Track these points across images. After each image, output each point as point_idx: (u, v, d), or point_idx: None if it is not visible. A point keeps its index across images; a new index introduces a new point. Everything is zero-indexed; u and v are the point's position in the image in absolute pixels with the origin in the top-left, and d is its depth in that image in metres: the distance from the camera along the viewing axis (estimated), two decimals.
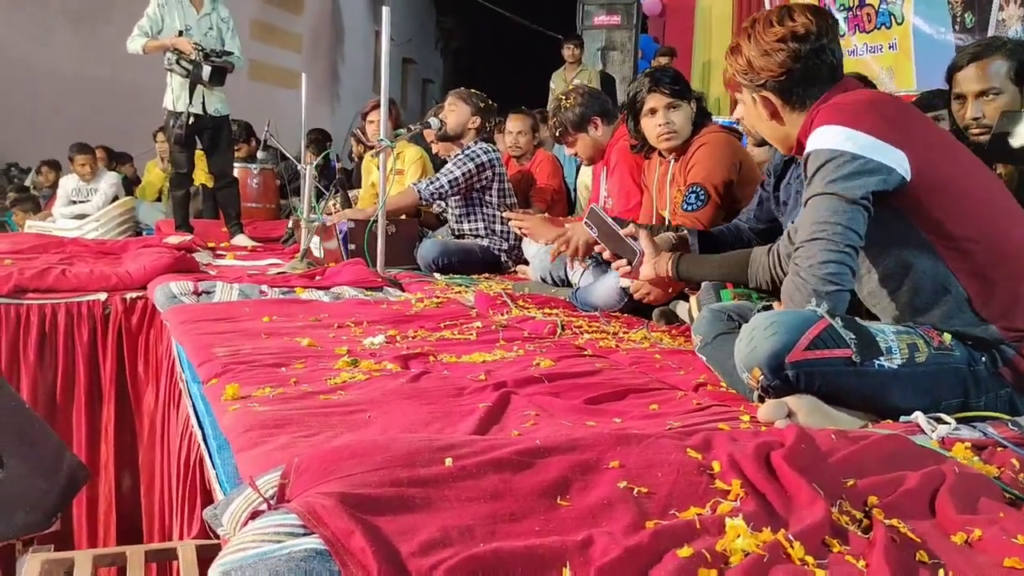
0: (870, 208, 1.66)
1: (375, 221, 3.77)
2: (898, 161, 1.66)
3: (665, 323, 2.86)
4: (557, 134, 3.72)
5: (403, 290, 3.49)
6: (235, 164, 6.49)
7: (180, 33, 5.08)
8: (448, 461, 1.15)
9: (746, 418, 1.65)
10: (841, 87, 1.84)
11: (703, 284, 2.31)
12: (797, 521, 1.12)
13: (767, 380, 1.59)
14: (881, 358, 1.59)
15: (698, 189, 3.00)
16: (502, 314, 2.89)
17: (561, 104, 3.67)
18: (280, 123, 5.72)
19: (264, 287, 3.17)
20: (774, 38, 1.82)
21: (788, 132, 1.92)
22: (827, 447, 1.33)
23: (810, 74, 1.83)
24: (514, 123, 5.31)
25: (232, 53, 5.22)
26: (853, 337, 1.58)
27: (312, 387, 1.80)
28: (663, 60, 7.66)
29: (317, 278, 3.55)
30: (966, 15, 6.75)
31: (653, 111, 3.12)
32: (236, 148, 6.98)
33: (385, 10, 3.59)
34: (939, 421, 1.59)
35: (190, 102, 5.08)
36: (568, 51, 8.47)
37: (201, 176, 6.35)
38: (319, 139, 7.09)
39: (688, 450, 1.29)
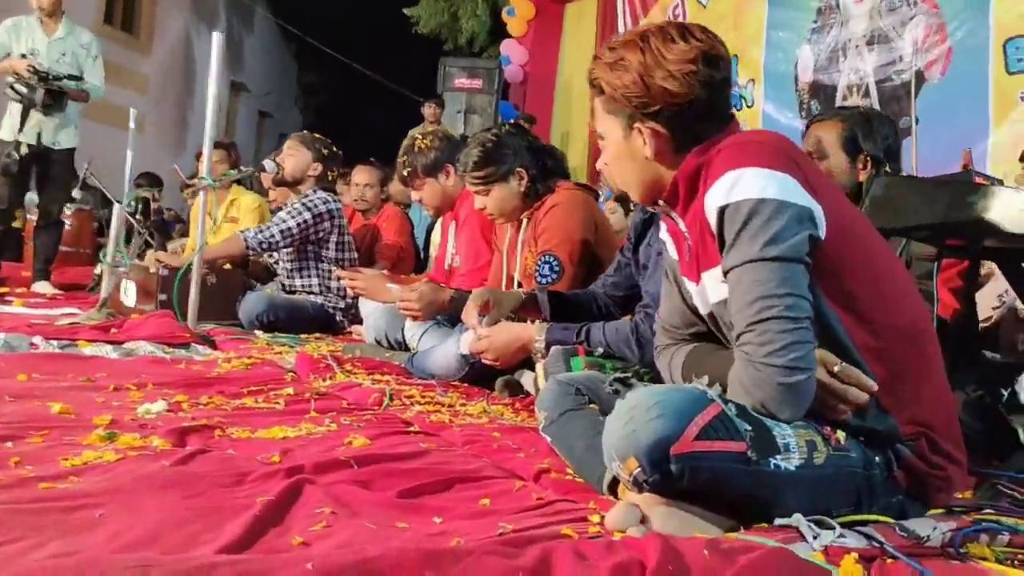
0: (811, 264, 1.38)
1: (189, 268, 3.31)
2: (818, 212, 1.39)
3: (508, 394, 2.54)
4: (405, 174, 3.39)
5: (215, 348, 3.04)
6: None
7: (23, 56, 4.53)
8: None
9: (595, 519, 1.33)
10: (732, 127, 1.55)
11: (552, 350, 2.01)
12: None
13: (644, 474, 1.27)
14: (778, 456, 1.30)
15: (551, 259, 2.73)
16: (324, 379, 2.50)
17: (415, 143, 3.35)
18: (117, 166, 5.17)
19: (38, 339, 2.66)
20: (683, 57, 1.47)
21: (663, 175, 1.56)
22: (700, 567, 1.02)
23: (715, 107, 1.51)
24: (361, 175, 4.97)
25: (80, 79, 4.69)
26: (749, 429, 1.29)
27: (37, 470, 1.36)
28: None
29: (113, 331, 3.05)
30: (812, 102, 6.97)
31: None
32: None
33: (216, 36, 3.21)
34: (821, 525, 1.32)
35: (20, 129, 4.51)
36: (429, 110, 8.25)
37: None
38: (149, 183, 6.52)
39: (521, 574, 0.95)
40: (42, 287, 4.69)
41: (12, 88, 4.49)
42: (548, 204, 2.78)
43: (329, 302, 4.02)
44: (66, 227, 5.81)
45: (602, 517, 1.33)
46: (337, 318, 4.02)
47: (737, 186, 1.38)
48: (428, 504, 1.38)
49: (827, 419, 1.38)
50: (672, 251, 1.70)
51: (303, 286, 4.04)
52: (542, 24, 8.47)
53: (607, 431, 1.34)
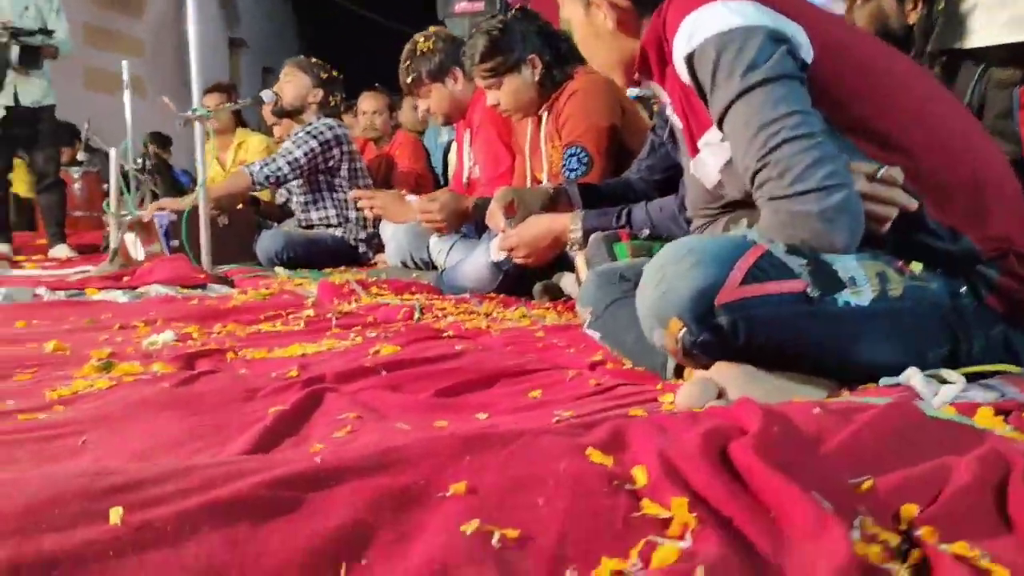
0: (804, 80, 1.18)
1: (195, 210, 3.11)
2: (796, 34, 1.20)
3: (549, 299, 2.34)
4: (409, 81, 3.12)
5: (233, 287, 2.86)
6: None
7: None
8: (115, 514, 0.57)
9: (668, 398, 1.13)
10: None
11: (591, 238, 1.79)
12: (800, 567, 0.60)
13: (692, 334, 1.08)
14: (845, 292, 1.09)
15: (578, 151, 2.49)
16: (348, 303, 2.30)
17: (417, 47, 3.09)
18: (120, 131, 4.95)
19: (42, 289, 2.48)
20: None
21: (632, 47, 1.42)
22: (812, 428, 0.82)
23: None
24: (368, 102, 4.71)
25: (53, 32, 4.45)
26: (804, 263, 1.08)
27: (19, 403, 1.18)
28: None
29: (125, 279, 2.88)
30: None
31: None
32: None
33: None
34: (939, 380, 1.11)
35: (0, 89, 4.29)
36: None
37: (19, 185, 5.51)
38: (158, 140, 6.32)
39: (588, 451, 0.76)
40: (60, 251, 4.49)
41: None
42: (568, 91, 2.53)
43: (349, 233, 3.82)
44: (75, 190, 5.67)
45: (674, 398, 1.13)
46: (360, 249, 3.82)
47: (697, 29, 1.21)
48: (469, 401, 1.19)
49: (894, 249, 1.17)
50: (676, 122, 1.52)
51: (320, 219, 3.84)
52: None
53: (640, 298, 1.16)
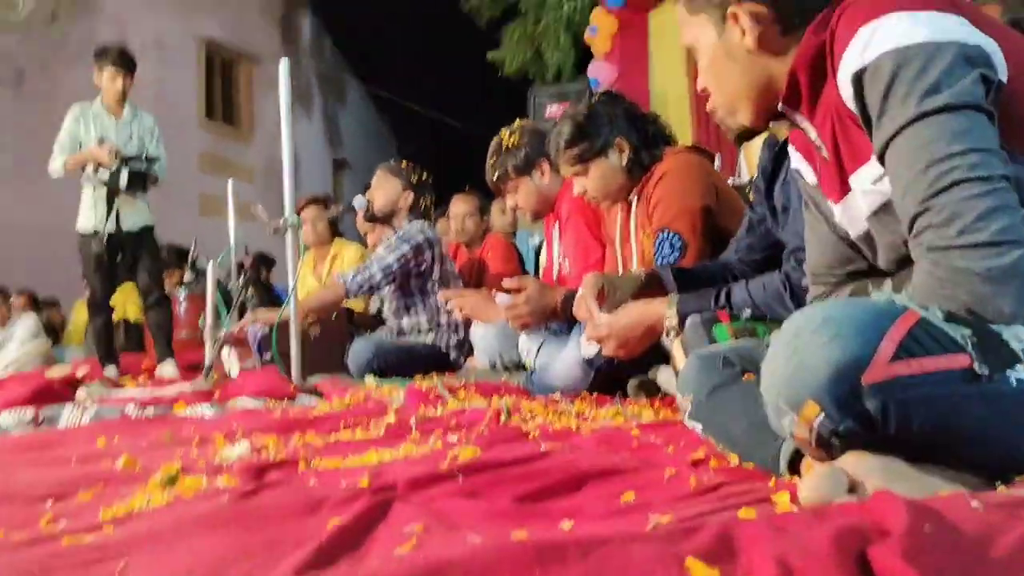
0: (994, 115, 1.00)
1: (285, 322, 3.09)
2: (994, 49, 1.02)
3: (645, 396, 2.18)
4: (496, 178, 3.08)
5: (322, 398, 2.80)
6: None
7: (100, 142, 4.52)
8: None
9: (783, 497, 0.96)
10: None
11: (688, 322, 1.65)
12: None
13: (832, 421, 0.91)
14: (1020, 368, 0.90)
15: (670, 236, 2.35)
16: (435, 408, 2.19)
17: (502, 143, 3.06)
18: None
19: (130, 407, 2.47)
20: None
21: (774, 71, 1.24)
22: (973, 527, 0.65)
23: None
24: (459, 205, 4.72)
25: (153, 160, 4.65)
26: (968, 334, 0.90)
27: (71, 523, 1.10)
28: None
29: (216, 394, 2.85)
30: None
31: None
32: (167, 275, 6.38)
33: (283, 61, 3.04)
34: None
35: (108, 215, 4.47)
36: None
37: (123, 309, 5.69)
38: (261, 259, 6.49)
39: (689, 563, 0.61)
40: (167, 369, 4.51)
41: (95, 174, 4.45)
42: (657, 174, 2.42)
43: (442, 339, 3.75)
44: (181, 311, 5.81)
45: (792, 495, 0.96)
46: (451, 356, 3.74)
47: (874, 40, 1.03)
48: (553, 507, 1.05)
49: None
50: (808, 173, 1.35)
51: (412, 326, 3.79)
52: (627, 38, 8.13)
53: (766, 377, 0.98)
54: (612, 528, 0.89)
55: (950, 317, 0.93)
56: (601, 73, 8.69)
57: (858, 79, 1.05)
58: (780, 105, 1.24)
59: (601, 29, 8.07)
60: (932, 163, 0.97)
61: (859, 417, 0.90)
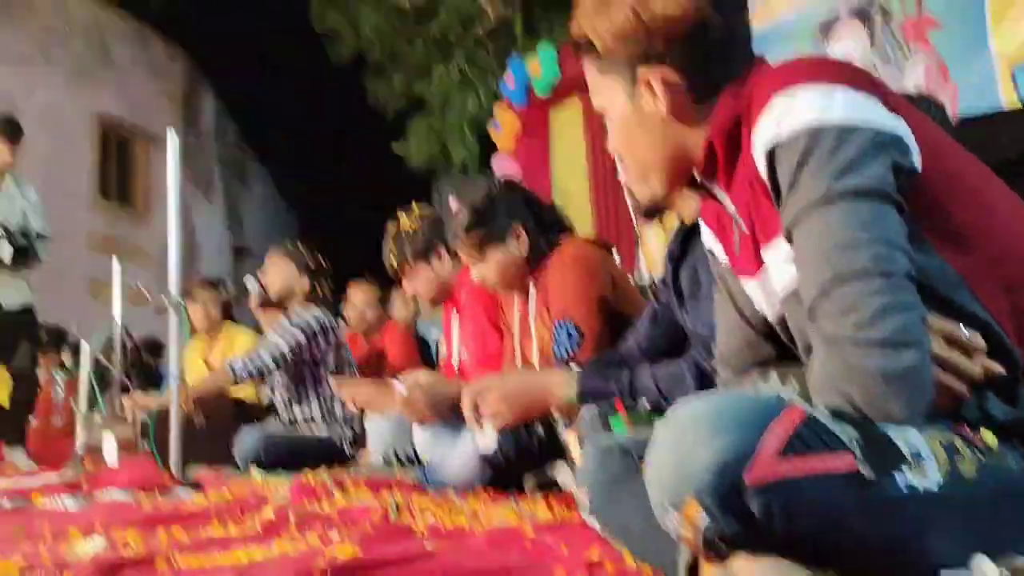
0: (903, 206, 0.97)
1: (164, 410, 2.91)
2: (907, 133, 1.00)
3: (541, 493, 2.10)
4: (395, 264, 3.02)
5: (201, 491, 2.62)
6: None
7: None
8: None
9: None
10: (762, 64, 1.17)
11: (583, 412, 1.60)
12: None
13: (714, 521, 0.85)
14: (905, 470, 0.86)
15: (567, 325, 2.31)
16: (319, 503, 2.06)
17: (401, 228, 3.01)
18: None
19: None
20: None
21: (687, 140, 1.19)
22: None
23: (735, 33, 1.16)
24: (357, 294, 4.60)
25: (42, 236, 4.41)
26: (855, 435, 0.86)
27: None
28: None
29: (84, 486, 2.64)
30: None
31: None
32: (44, 358, 6.02)
33: (170, 132, 2.94)
34: (1015, 570, 0.88)
35: None
36: None
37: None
38: (143, 345, 6.22)
39: None
40: (18, 459, 4.24)
41: None
42: (554, 263, 2.40)
43: (336, 432, 3.60)
44: (58, 395, 5.48)
45: None
46: (346, 450, 3.59)
47: (789, 113, 1.00)
48: None
49: (957, 415, 0.95)
50: (720, 252, 1.31)
51: (304, 416, 3.63)
52: (529, 135, 8.30)
53: (648, 471, 0.91)
54: None
55: (837, 415, 0.89)
56: (505, 168, 8.83)
57: (771, 153, 1.02)
58: (697, 175, 1.20)
59: (504, 126, 8.24)
60: (836, 248, 0.94)
61: (742, 518, 0.84)
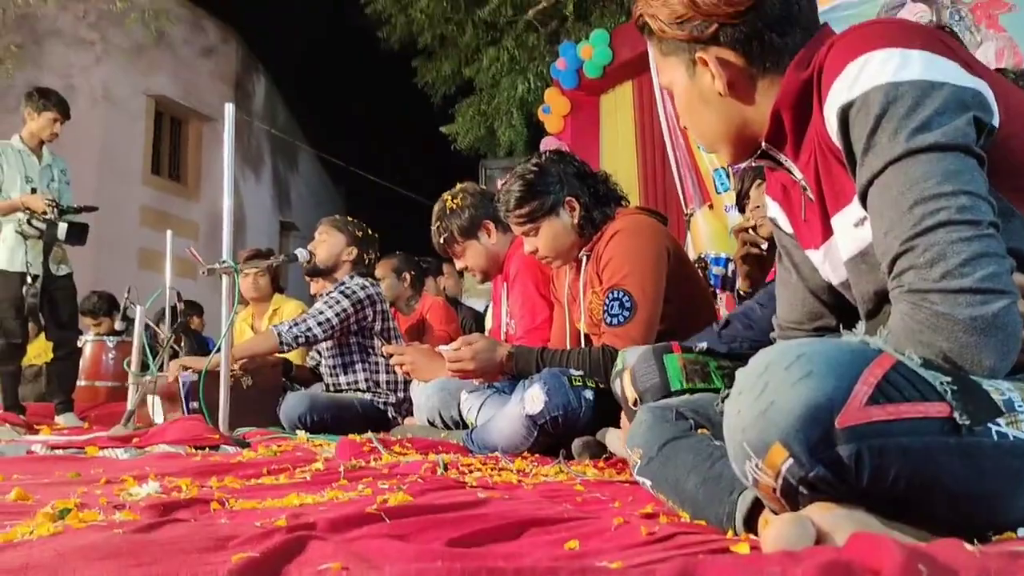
0: (984, 160, 0.95)
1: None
2: (987, 92, 0.98)
3: (589, 457, 2.08)
4: (442, 241, 3.01)
5: (249, 448, 2.64)
6: (91, 339, 5.65)
7: (33, 189, 4.35)
8: None
9: (744, 548, 0.87)
10: (827, 31, 1.18)
11: (640, 351, 1.56)
12: None
13: (801, 467, 0.82)
14: (1000, 421, 0.83)
15: (620, 295, 2.29)
16: (366, 461, 2.06)
17: (446, 206, 2.99)
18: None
19: (37, 446, 2.29)
20: None
21: (748, 114, 1.20)
22: (973, 573, 0.56)
23: (790, 12, 1.15)
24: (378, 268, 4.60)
25: (91, 209, 4.49)
26: (948, 382, 0.83)
27: None
28: None
29: (135, 440, 2.67)
30: None
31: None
32: (96, 322, 6.15)
33: (228, 106, 2.95)
34: None
35: (45, 265, 4.27)
36: None
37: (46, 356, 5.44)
38: (191, 306, 6.30)
39: None
40: (67, 420, 4.34)
41: (29, 223, 4.26)
42: (608, 233, 2.37)
43: (379, 398, 3.61)
44: (109, 360, 5.59)
45: (752, 547, 0.87)
46: (389, 414, 3.60)
47: (864, 75, 0.99)
48: (489, 553, 0.94)
49: None
50: (784, 222, 1.32)
51: (349, 384, 3.64)
52: (578, 118, 8.24)
53: (729, 416, 0.90)
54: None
55: (928, 364, 0.86)
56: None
57: (845, 114, 1.01)
58: (763, 144, 1.20)
59: (554, 108, 8.19)
60: (919, 202, 0.92)
61: (831, 464, 0.82)
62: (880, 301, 1.12)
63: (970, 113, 0.96)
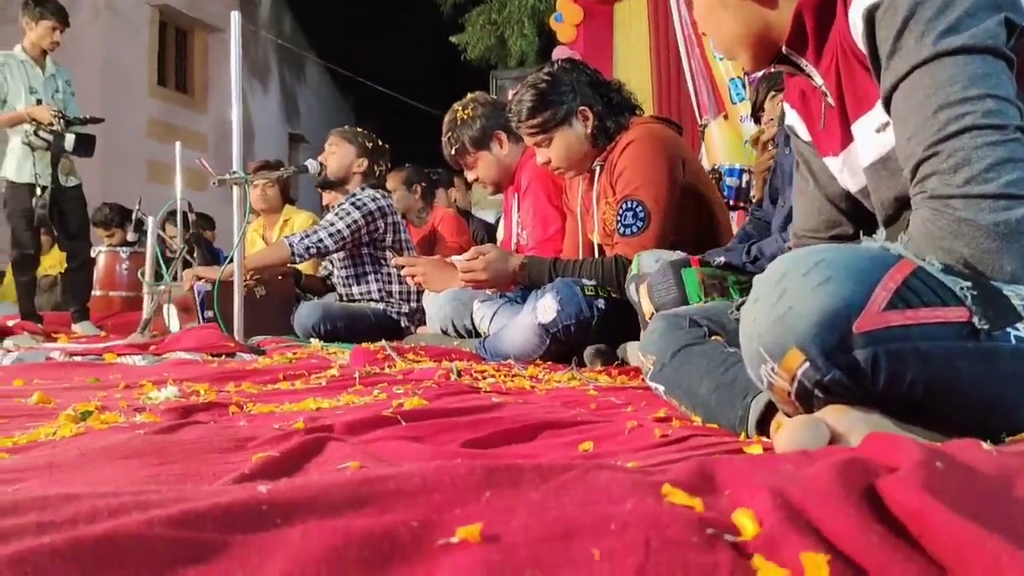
0: (1014, 61, 0.92)
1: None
2: None
3: (601, 364, 2.10)
4: (453, 153, 2.98)
5: (264, 355, 2.67)
6: (104, 249, 5.68)
7: (38, 100, 4.30)
8: None
9: (757, 449, 0.88)
10: None
11: (658, 264, 1.56)
12: None
13: (817, 370, 0.82)
14: (1019, 326, 0.82)
15: (634, 205, 2.27)
16: (380, 368, 2.09)
17: (457, 116, 2.95)
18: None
19: (55, 353, 2.32)
20: None
21: (769, 17, 1.17)
22: (991, 470, 0.57)
23: None
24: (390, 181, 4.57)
25: (96, 120, 4.44)
26: (968, 286, 0.82)
27: None
28: None
29: (152, 348, 2.71)
30: None
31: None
32: (109, 233, 6.17)
33: (234, 15, 2.89)
34: None
35: (54, 176, 4.25)
36: None
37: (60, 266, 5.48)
38: (202, 218, 6.30)
39: (666, 490, 0.52)
40: (84, 328, 4.40)
41: (36, 135, 4.22)
42: (623, 143, 2.33)
43: (392, 308, 3.63)
44: (123, 270, 5.62)
45: (766, 449, 0.88)
46: (402, 323, 3.63)
47: None
48: (505, 453, 0.96)
49: None
50: (802, 129, 1.30)
51: (361, 294, 3.66)
52: (591, 28, 8.05)
53: (746, 321, 0.90)
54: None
55: (948, 269, 0.86)
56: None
57: (871, 15, 0.98)
58: (784, 48, 1.17)
59: (566, 17, 7.99)
60: (944, 106, 0.90)
61: (847, 368, 0.82)
62: (900, 208, 1.11)
63: (1001, 14, 0.92)
